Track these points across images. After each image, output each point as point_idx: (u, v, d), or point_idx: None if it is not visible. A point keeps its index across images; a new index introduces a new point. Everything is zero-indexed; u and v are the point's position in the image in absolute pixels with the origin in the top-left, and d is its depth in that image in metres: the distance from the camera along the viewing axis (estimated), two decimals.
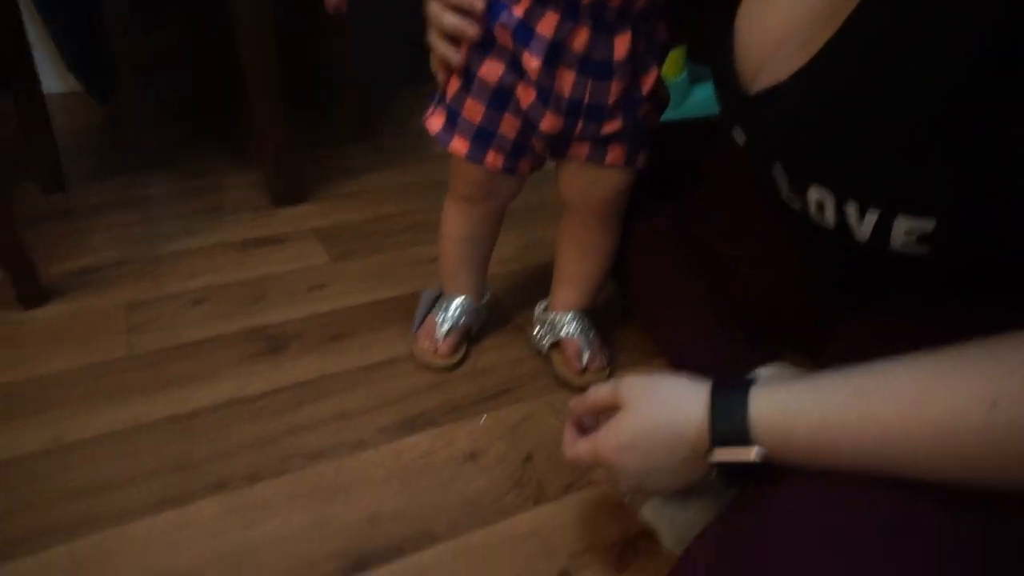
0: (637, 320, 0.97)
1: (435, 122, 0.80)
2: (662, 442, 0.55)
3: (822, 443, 0.47)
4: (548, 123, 0.74)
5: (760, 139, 0.60)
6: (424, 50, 0.79)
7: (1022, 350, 0.41)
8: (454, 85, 0.77)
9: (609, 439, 0.58)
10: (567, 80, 0.71)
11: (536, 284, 1.05)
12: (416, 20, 0.80)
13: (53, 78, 1.77)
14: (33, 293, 1.03)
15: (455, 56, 0.73)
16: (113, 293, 1.07)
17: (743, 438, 0.50)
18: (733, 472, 0.52)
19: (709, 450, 0.51)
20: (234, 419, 0.84)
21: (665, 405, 0.56)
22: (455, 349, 0.93)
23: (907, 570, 0.39)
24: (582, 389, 0.88)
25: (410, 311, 0.97)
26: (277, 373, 0.91)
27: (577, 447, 0.61)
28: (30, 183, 1.35)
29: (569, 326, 0.91)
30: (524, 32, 0.69)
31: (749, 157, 0.63)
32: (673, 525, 0.63)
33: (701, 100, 1.64)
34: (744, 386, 0.51)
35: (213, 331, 0.99)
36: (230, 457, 0.78)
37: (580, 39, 0.69)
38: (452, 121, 0.79)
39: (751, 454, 0.49)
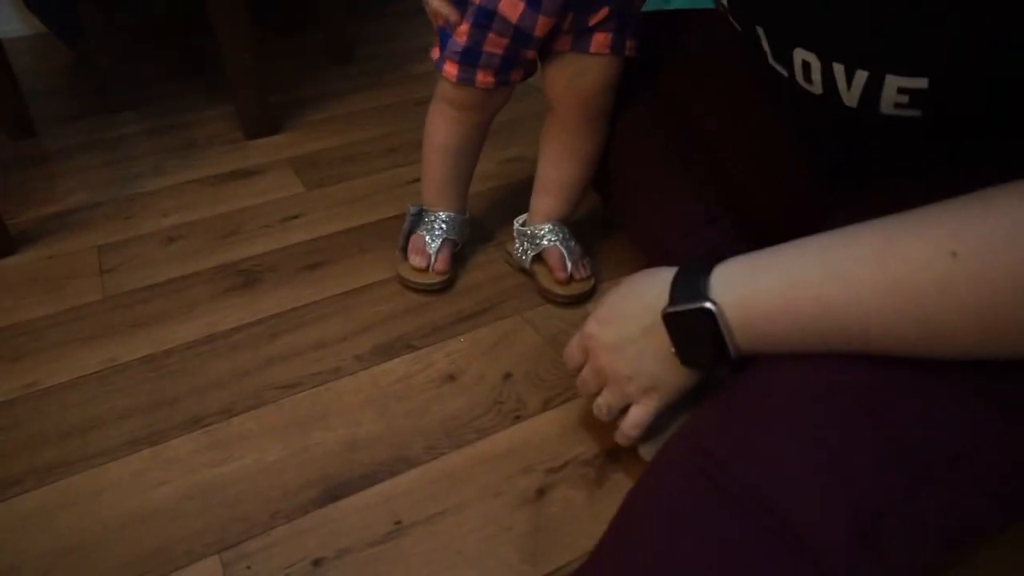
0: (619, 218, 0.92)
1: (435, 51, 0.80)
2: (631, 312, 0.56)
3: (785, 301, 0.45)
4: (542, 27, 0.73)
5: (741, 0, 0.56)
6: None
7: (984, 203, 0.39)
8: None
9: (592, 316, 0.60)
10: None
11: (516, 201, 1.01)
12: None
13: (17, 21, 1.71)
14: (3, 242, 1.00)
15: (452, 15, 0.75)
16: (85, 237, 1.04)
17: (699, 295, 0.49)
18: (689, 351, 0.52)
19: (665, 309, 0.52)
20: (209, 355, 0.82)
21: (640, 281, 0.58)
22: (450, 263, 0.90)
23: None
24: (568, 301, 0.86)
25: (388, 235, 0.94)
26: (253, 306, 0.89)
27: (570, 343, 0.64)
28: None
29: (550, 236, 0.88)
30: None
31: (732, 22, 0.58)
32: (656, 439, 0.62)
33: None
34: (714, 260, 0.51)
35: (187, 269, 0.97)
36: (205, 393, 0.77)
37: None
38: (443, 44, 0.78)
39: (701, 304, 0.48)
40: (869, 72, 0.45)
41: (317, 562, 0.60)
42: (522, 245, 0.90)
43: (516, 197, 1.05)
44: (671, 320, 0.51)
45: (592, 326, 0.60)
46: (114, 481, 0.67)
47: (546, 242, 0.88)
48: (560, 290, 0.87)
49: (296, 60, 1.65)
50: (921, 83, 0.43)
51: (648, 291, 0.55)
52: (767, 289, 0.47)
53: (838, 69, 0.47)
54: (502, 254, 0.96)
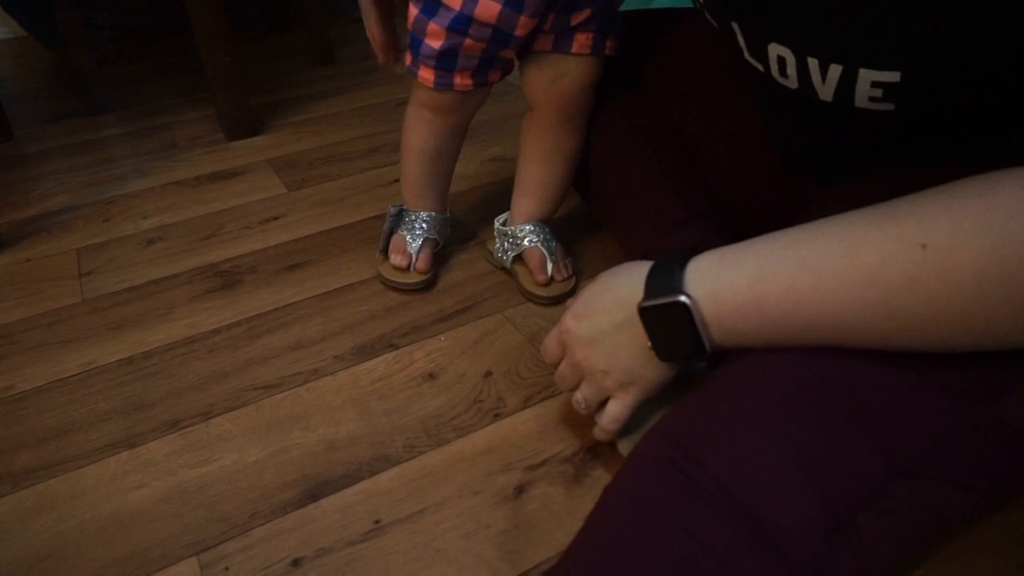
0: (601, 217, 0.92)
1: (407, 56, 0.79)
2: (606, 306, 0.56)
3: (756, 295, 0.45)
4: (524, 27, 0.72)
5: None
6: None
7: (953, 194, 0.39)
8: (413, 11, 0.74)
9: (569, 311, 0.60)
10: None
11: (498, 200, 1.01)
12: None
13: None
14: None
15: (380, 58, 0.83)
16: (65, 239, 1.04)
17: (674, 290, 0.49)
18: (665, 345, 0.52)
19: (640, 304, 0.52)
20: (188, 357, 0.82)
21: (615, 275, 0.58)
22: (431, 263, 0.90)
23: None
24: (549, 302, 0.86)
25: (369, 235, 0.94)
26: (233, 307, 0.89)
27: (547, 337, 0.64)
28: None
29: (530, 236, 0.88)
30: None
31: (708, 18, 0.59)
32: (634, 435, 0.62)
33: None
34: (689, 255, 0.51)
35: (167, 270, 0.96)
36: (184, 395, 0.76)
37: None
38: (415, 48, 0.76)
39: (676, 298, 0.48)
40: (843, 66, 0.46)
41: (296, 562, 0.59)
42: (502, 245, 0.90)
43: (498, 196, 1.05)
44: (646, 314, 0.51)
45: (568, 320, 0.60)
46: (92, 484, 0.67)
47: (527, 242, 0.88)
48: (541, 291, 0.87)
49: (278, 62, 1.65)
50: (894, 77, 0.44)
51: (623, 286, 0.55)
52: (738, 283, 0.47)
53: (812, 64, 0.47)
54: (483, 253, 0.96)
